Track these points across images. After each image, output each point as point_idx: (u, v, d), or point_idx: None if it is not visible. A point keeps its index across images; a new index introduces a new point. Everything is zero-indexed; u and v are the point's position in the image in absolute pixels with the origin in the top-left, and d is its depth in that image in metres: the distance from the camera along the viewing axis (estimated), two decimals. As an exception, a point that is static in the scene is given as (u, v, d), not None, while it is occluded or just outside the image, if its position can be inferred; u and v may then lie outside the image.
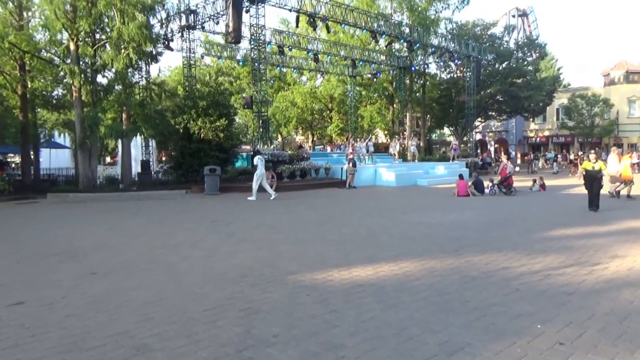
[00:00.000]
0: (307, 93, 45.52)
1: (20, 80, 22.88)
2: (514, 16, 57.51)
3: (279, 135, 53.11)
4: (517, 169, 32.77)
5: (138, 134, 25.53)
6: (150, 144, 28.34)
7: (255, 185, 17.62)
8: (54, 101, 29.28)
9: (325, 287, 5.27)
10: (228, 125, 22.47)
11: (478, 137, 57.67)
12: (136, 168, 26.75)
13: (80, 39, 20.71)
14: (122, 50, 20.13)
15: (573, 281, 5.45)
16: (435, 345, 3.58)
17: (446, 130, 56.99)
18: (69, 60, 20.72)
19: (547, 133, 54.52)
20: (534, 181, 21.26)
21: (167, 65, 60.63)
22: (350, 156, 23.00)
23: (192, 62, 26.92)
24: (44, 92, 28.29)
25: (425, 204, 15.17)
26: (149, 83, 24.50)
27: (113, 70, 20.99)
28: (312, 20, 24.15)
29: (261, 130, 22.55)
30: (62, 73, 21.16)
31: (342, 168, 23.22)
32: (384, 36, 28.38)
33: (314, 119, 50.96)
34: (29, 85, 24.50)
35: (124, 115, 23.54)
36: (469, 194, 18.58)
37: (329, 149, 38.82)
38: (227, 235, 9.00)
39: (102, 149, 43.13)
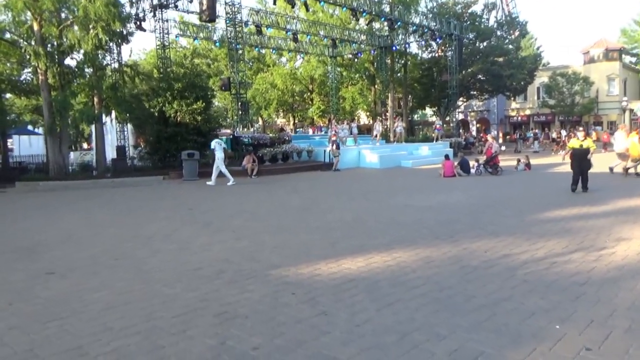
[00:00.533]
0: (287, 74, 44.54)
1: (-17, 64, 21.64)
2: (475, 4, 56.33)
3: (260, 119, 52.10)
4: (504, 148, 32.51)
5: (111, 118, 24.59)
6: (126, 129, 27.30)
7: (215, 171, 17.01)
8: (23, 86, 28.00)
9: (312, 283, 4.70)
10: (206, 108, 21.59)
11: (460, 117, 57.57)
12: (112, 154, 25.77)
13: (45, 19, 19.48)
14: (91, 30, 19.05)
15: (582, 269, 4.99)
16: (444, 355, 3.05)
17: (428, 111, 56.70)
18: (33, 42, 19.54)
19: (528, 112, 54.55)
20: (519, 160, 20.97)
21: (142, 48, 58.81)
22: (334, 138, 22.38)
23: (166, 43, 25.79)
24: (11, 77, 26.99)
25: (411, 186, 14.70)
26: (120, 65, 23.39)
27: (81, 51, 19.91)
28: (290, -3, 23.23)
29: (240, 112, 21.74)
30: (27, 56, 19.92)
31: (324, 150, 22.61)
32: (364, 14, 27.57)
33: (294, 101, 50.05)
34: (-7, 69, 23.25)
35: (95, 99, 22.44)
36: (455, 175, 18.18)
37: (310, 131, 38.07)
38: (204, 224, 8.36)
39: (78, 135, 41.67)
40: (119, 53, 22.40)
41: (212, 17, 20.62)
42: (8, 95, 33.68)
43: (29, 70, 24.02)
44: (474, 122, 57.83)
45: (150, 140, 21.68)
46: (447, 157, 18.84)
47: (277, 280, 4.83)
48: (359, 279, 4.79)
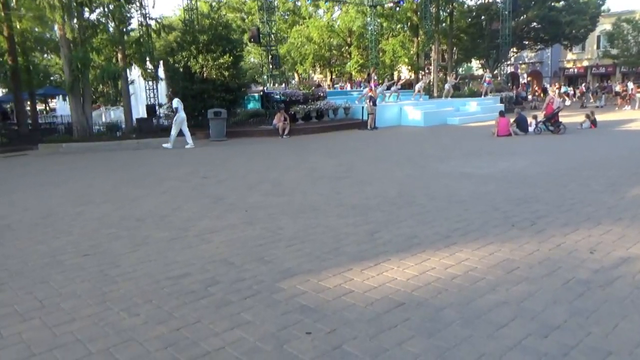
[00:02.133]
0: (323, 27, 41.91)
1: (5, 20, 20.54)
2: None
3: (296, 74, 49.99)
4: (568, 102, 29.39)
5: (139, 75, 23.34)
6: (156, 86, 26.09)
7: (174, 131, 15.73)
8: (49, 43, 27.07)
9: (339, 309, 3.11)
10: (234, 63, 19.89)
11: (510, 70, 53.55)
12: (142, 113, 24.70)
13: (60, -34, 18.01)
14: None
15: None
16: None
17: (473, 64, 52.96)
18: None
19: (585, 63, 50.02)
20: (587, 116, 18.45)
21: (177, 5, 56.91)
22: (370, 93, 20.36)
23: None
24: (37, 33, 26.04)
25: (462, 148, 12.75)
26: (145, 18, 21.83)
27: (100, 3, 18.48)
28: None
29: (271, 67, 19.96)
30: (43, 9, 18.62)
31: (362, 107, 20.68)
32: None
33: (332, 56, 47.50)
34: (17, 26, 22.20)
35: (119, 55, 21.12)
36: (511, 134, 16.09)
37: (348, 86, 35.79)
38: (214, 199, 6.87)
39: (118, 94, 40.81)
40: (141, 4, 20.75)
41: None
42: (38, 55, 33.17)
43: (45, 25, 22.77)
44: (525, 75, 53.71)
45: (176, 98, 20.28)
46: (501, 113, 16.61)
47: (289, 300, 3.26)
48: (410, 303, 3.16)
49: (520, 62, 53.33)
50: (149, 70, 21.88)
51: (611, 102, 31.63)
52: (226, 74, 19.28)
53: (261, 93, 21.03)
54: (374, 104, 19.56)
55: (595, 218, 5.14)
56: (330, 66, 49.24)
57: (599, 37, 46.15)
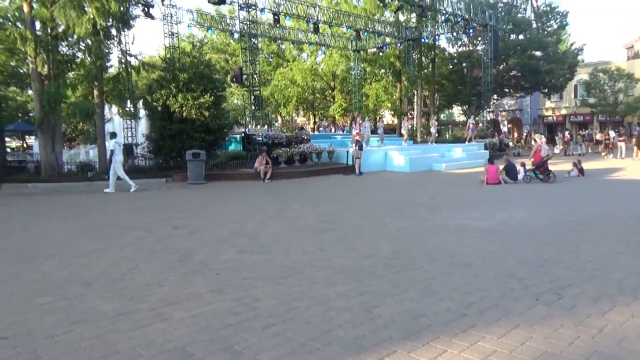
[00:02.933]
0: (307, 70, 42.02)
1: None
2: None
3: (279, 117, 49.75)
4: (557, 150, 29.32)
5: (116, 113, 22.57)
6: (134, 125, 25.24)
7: (112, 175, 14.83)
8: (22, 76, 26.19)
9: None
10: (215, 103, 19.23)
11: (490, 116, 54.23)
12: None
13: (36, -1, 17.41)
14: (87, 12, 16.94)
15: None
16: None
17: (455, 110, 53.60)
18: (22, 26, 17.47)
19: (564, 112, 51.00)
20: (575, 165, 18.12)
21: (160, 44, 56.76)
22: (357, 137, 19.82)
23: (174, 31, 23.61)
24: (10, 66, 25.15)
25: (453, 197, 12.07)
26: (124, 54, 21.23)
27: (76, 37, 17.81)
28: (311, -21, 20.70)
29: (253, 107, 19.34)
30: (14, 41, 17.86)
31: (347, 151, 20.09)
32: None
33: (315, 99, 47.55)
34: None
35: (95, 92, 20.32)
36: (500, 182, 15.55)
37: (332, 129, 35.49)
38: (180, 256, 5.92)
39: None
40: (120, 40, 20.16)
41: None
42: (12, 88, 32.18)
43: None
44: (505, 122, 54.44)
45: (153, 137, 19.44)
46: (490, 160, 16.18)
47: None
48: None
49: (501, 109, 54.17)
50: (127, 109, 21.10)
51: (593, 150, 31.82)
52: (206, 114, 18.58)
53: (243, 135, 20.31)
54: (360, 149, 18.97)
55: (628, 289, 4.36)
56: (314, 109, 49.24)
57: (576, 86, 47.25)
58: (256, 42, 19.93)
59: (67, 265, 5.52)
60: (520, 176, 16.38)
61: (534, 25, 37.69)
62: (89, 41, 18.32)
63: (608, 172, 19.42)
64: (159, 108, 18.88)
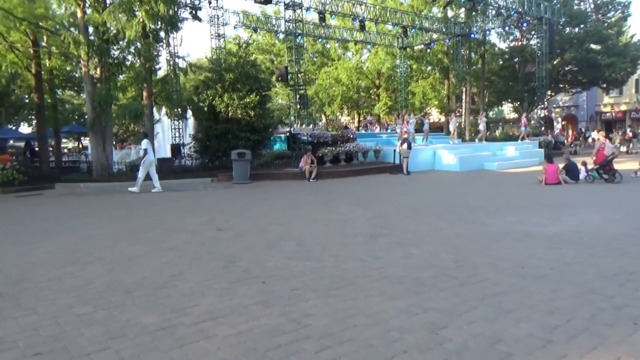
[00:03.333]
0: (352, 68, 41.50)
1: (34, 58, 20.40)
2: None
3: (323, 116, 49.47)
4: (623, 148, 27.49)
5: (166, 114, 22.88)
6: (181, 126, 25.57)
7: (141, 174, 14.69)
8: (77, 80, 27.05)
9: None
10: (261, 102, 19.10)
11: (543, 113, 51.94)
12: (166, 153, 24.07)
13: (89, 4, 17.78)
14: (136, 16, 17.17)
15: None
16: None
17: (505, 107, 51.63)
18: (76, 31, 17.91)
19: (624, 107, 48.06)
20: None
21: (208, 47, 57.57)
22: (405, 135, 19.19)
23: (221, 32, 23.69)
24: (66, 71, 26.04)
25: (511, 198, 11.30)
26: (172, 56, 21.48)
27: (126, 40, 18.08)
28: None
29: (299, 106, 19.06)
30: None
31: (394, 150, 19.48)
32: (442, -6, 23.99)
33: (360, 97, 46.95)
34: (47, 64, 22.09)
35: (144, 94, 20.66)
36: (560, 182, 14.57)
37: (377, 128, 34.76)
38: (224, 262, 5.61)
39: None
40: (168, 42, 20.38)
41: (267, -2, 18.08)
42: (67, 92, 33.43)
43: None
44: (559, 119, 51.96)
45: (199, 137, 19.50)
46: (549, 159, 15.16)
47: None
48: None
49: (554, 105, 51.72)
50: (175, 110, 21.33)
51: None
52: (252, 113, 18.45)
53: (288, 134, 20.08)
54: (409, 147, 18.33)
55: None
56: (358, 108, 48.63)
57: (637, 80, 44.36)
58: (301, 41, 19.62)
59: (109, 271, 5.31)
60: (581, 176, 15.33)
61: (593, 17, 35.62)
62: (138, 44, 18.58)
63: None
64: (205, 108, 18.91)
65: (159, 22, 18.70)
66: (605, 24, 35.00)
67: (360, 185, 15.36)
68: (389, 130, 31.67)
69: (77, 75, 26.86)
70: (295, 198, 12.30)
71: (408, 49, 36.86)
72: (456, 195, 12.11)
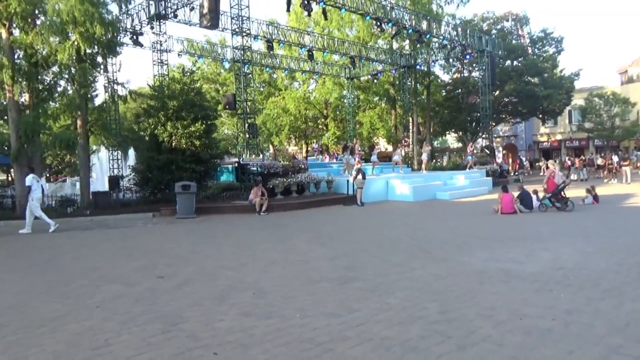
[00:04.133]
0: (300, 98, 41.24)
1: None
2: (507, 21, 51.47)
3: (271, 146, 48.69)
4: (574, 177, 28.23)
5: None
6: (121, 156, 23.94)
7: (28, 215, 13.08)
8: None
9: None
10: (207, 131, 18.05)
11: (484, 143, 53.64)
12: (97, 185, 22.33)
13: (15, 24, 16.27)
14: (69, 37, 15.88)
15: None
16: None
17: (448, 137, 52.97)
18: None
19: (559, 137, 50.57)
20: (588, 191, 17.02)
21: (151, 75, 55.74)
22: (358, 165, 18.66)
23: (163, 58, 22.55)
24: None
25: (475, 230, 10.80)
26: (110, 82, 20.10)
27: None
28: (306, 2, 19.88)
29: (248, 136, 18.14)
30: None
31: (347, 181, 18.87)
32: (389, 25, 24.17)
33: (308, 127, 46.66)
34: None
35: (78, 122, 19.04)
36: (515, 211, 14.39)
37: (327, 158, 34.25)
38: (164, 325, 4.52)
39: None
40: (106, 67, 19.01)
41: (213, 23, 17.27)
42: None
43: None
44: (500, 149, 53.85)
45: (140, 169, 18.08)
46: (505, 188, 14.98)
47: None
48: None
49: (495, 135, 53.63)
50: (113, 139, 19.82)
51: (593, 175, 30.88)
52: (197, 143, 17.35)
53: (236, 164, 19.04)
54: (364, 177, 17.77)
55: None
56: (307, 138, 48.28)
57: (570, 111, 46.87)
58: (249, 69, 18.83)
59: (10, 345, 4.10)
60: (534, 205, 15.29)
61: (529, 51, 37.37)
62: (72, 69, 17.16)
63: (621, 198, 18.36)
64: (147, 138, 17.61)
65: (96, 46, 17.44)
66: (541, 58, 36.74)
67: (315, 218, 14.52)
68: (338, 160, 31.25)
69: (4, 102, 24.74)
70: (246, 235, 11.26)
71: (355, 79, 37.06)
72: (418, 228, 11.50)
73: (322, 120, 45.14)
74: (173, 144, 17.43)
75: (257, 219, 14.76)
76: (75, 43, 16.16)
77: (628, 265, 6.56)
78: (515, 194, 15.09)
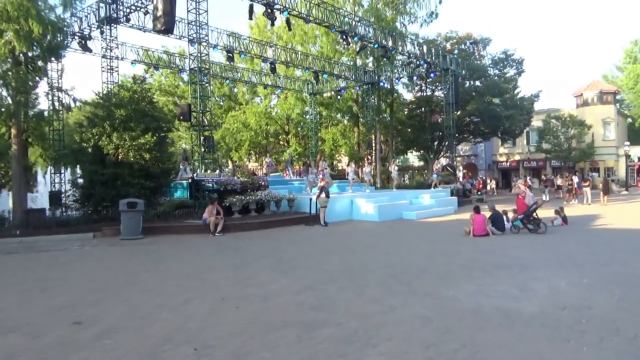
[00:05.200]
0: (261, 113, 39.97)
1: None
2: (470, 41, 52.06)
3: (230, 162, 47.02)
4: (546, 198, 28.01)
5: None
6: (64, 170, 21.90)
7: None
8: None
9: None
10: (159, 144, 16.55)
11: (445, 162, 53.89)
12: (43, 201, 20.27)
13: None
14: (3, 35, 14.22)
15: None
16: None
17: (410, 155, 52.89)
18: None
19: (517, 157, 51.31)
20: (557, 212, 16.57)
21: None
22: (322, 183, 17.57)
23: (114, 65, 20.92)
24: None
25: (451, 255, 9.83)
26: (52, 88, 18.31)
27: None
28: (269, 11, 18.83)
29: (203, 149, 16.74)
30: None
31: (310, 199, 17.72)
32: (355, 39, 23.44)
33: (269, 143, 45.36)
34: None
35: (13, 131, 17.16)
36: (487, 233, 13.64)
37: (290, 174, 32.95)
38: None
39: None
40: (46, 72, 17.24)
41: (168, 26, 15.88)
42: None
43: None
44: (461, 168, 54.19)
45: (81, 184, 16.32)
46: (477, 210, 14.18)
47: None
48: None
49: (456, 154, 53.92)
50: (52, 151, 17.96)
51: (553, 195, 31.01)
52: (147, 156, 15.81)
53: (190, 180, 17.57)
54: (327, 196, 16.68)
55: None
56: (267, 154, 46.94)
57: (528, 132, 47.61)
58: (207, 79, 17.49)
59: None
60: (506, 226, 14.63)
61: (491, 72, 37.67)
62: (10, 73, 15.44)
63: (588, 219, 18.04)
64: (90, 149, 15.94)
65: (36, 48, 15.80)
66: (502, 79, 37.08)
67: (275, 240, 13.25)
68: (301, 177, 30.09)
69: None
70: (197, 260, 9.88)
71: (318, 95, 36.24)
72: (389, 253, 10.43)
73: (284, 136, 44.02)
74: (119, 157, 15.83)
75: (211, 241, 13.37)
76: (10, 42, 14.52)
77: (635, 300, 5.67)
78: (487, 214, 14.37)
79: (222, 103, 45.18)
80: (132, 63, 25.85)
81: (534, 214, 14.45)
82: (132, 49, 25.59)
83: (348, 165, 29.44)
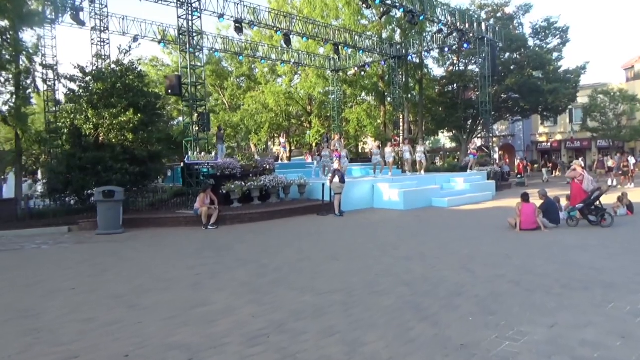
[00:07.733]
0: (281, 93, 37.45)
1: None
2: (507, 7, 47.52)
3: (251, 144, 44.79)
4: (614, 182, 24.52)
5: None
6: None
7: None
8: None
9: None
10: (146, 123, 14.29)
11: (479, 143, 50.20)
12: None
13: None
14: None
15: None
16: None
17: (441, 137, 49.52)
18: None
19: (559, 137, 47.27)
20: (620, 200, 13.56)
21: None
22: (336, 165, 15.02)
23: (104, 38, 18.73)
24: None
25: (500, 265, 7.17)
26: (31, 62, 16.25)
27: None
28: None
29: (197, 128, 14.37)
30: None
31: (323, 185, 15.21)
32: (377, 1, 20.51)
33: (290, 125, 42.89)
34: None
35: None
36: (539, 226, 10.90)
37: (309, 158, 30.26)
38: None
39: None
40: (18, 41, 15.09)
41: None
42: None
43: None
44: (496, 149, 50.43)
45: (58, 169, 14.22)
46: (526, 197, 11.33)
47: None
48: None
49: (491, 134, 50.19)
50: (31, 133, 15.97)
51: (602, 179, 27.47)
52: (130, 137, 13.56)
53: (181, 165, 15.30)
54: (342, 181, 14.14)
55: None
56: (289, 136, 44.49)
57: (571, 109, 43.47)
58: (197, 41, 14.87)
59: None
60: (561, 217, 11.83)
61: (531, 43, 33.91)
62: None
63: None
64: (65, 130, 13.81)
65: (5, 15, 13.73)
66: (545, 49, 33.34)
67: (274, 236, 10.84)
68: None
69: None
70: (181, 264, 7.57)
71: (341, 72, 33.42)
72: (411, 258, 7.81)
73: (306, 117, 41.45)
74: (100, 139, 13.65)
75: (199, 236, 11.06)
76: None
77: None
78: (537, 203, 11.56)
79: (242, 84, 42.97)
80: (134, 38, 23.59)
81: (597, 202, 11.57)
82: (134, 21, 23.39)
83: (378, 146, 26.63)
